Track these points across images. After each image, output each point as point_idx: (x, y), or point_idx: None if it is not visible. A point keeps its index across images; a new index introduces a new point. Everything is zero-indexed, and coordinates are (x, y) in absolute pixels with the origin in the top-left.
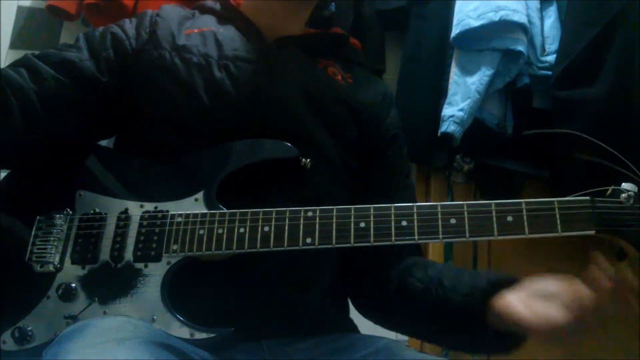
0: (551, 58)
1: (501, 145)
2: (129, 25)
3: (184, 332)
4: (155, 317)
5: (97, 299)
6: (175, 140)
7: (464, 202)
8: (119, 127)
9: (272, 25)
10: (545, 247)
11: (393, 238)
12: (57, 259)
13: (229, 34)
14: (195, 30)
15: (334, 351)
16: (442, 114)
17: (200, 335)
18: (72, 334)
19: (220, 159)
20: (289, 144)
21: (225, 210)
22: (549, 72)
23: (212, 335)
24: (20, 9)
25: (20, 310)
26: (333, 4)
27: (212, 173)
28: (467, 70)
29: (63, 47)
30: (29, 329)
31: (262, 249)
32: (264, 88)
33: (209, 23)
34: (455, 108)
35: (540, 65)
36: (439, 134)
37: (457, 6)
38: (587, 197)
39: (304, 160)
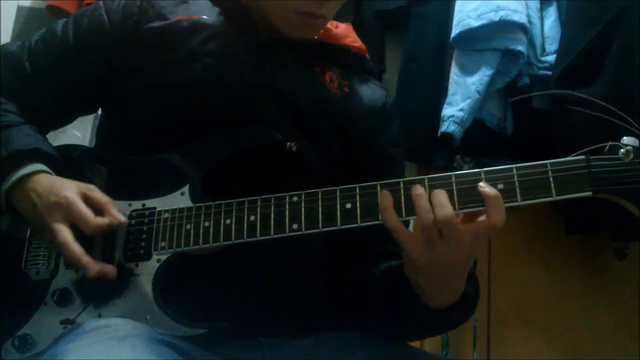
0: (551, 58)
1: (501, 145)
2: (116, 12)
3: (176, 329)
4: (148, 317)
5: (92, 302)
6: (158, 138)
7: (452, 173)
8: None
9: (273, 27)
10: (545, 247)
11: (380, 217)
12: (51, 264)
13: (220, 28)
14: (186, 18)
15: (333, 350)
16: (442, 114)
17: (192, 332)
18: (69, 335)
19: (203, 152)
20: (272, 130)
21: (211, 203)
22: (549, 72)
23: (204, 330)
24: (20, 9)
25: (20, 319)
26: None
27: (196, 166)
28: (467, 70)
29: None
30: (28, 336)
31: (249, 239)
32: (247, 90)
33: (202, 10)
34: (455, 108)
35: (540, 65)
36: (439, 134)
37: (457, 6)
38: (582, 157)
39: (288, 143)
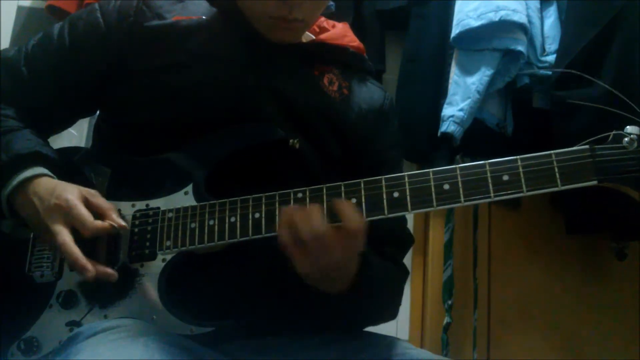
0: (551, 58)
1: (501, 145)
2: (111, 13)
3: (183, 328)
4: (154, 317)
5: (97, 303)
6: (156, 138)
7: (457, 166)
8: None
9: (268, 30)
10: (545, 247)
11: (386, 211)
12: (55, 267)
13: (219, 29)
14: (184, 18)
15: (339, 350)
16: (442, 114)
17: (199, 330)
18: (79, 336)
19: (205, 150)
20: (274, 127)
21: (215, 201)
22: (549, 72)
23: (211, 329)
24: (20, 9)
25: (25, 322)
26: (333, 3)
27: (199, 165)
28: (467, 70)
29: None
30: (34, 339)
31: (254, 237)
32: (245, 92)
33: (200, 10)
34: (455, 108)
35: (540, 65)
36: (439, 134)
37: (457, 6)
38: (587, 146)
39: (291, 140)
